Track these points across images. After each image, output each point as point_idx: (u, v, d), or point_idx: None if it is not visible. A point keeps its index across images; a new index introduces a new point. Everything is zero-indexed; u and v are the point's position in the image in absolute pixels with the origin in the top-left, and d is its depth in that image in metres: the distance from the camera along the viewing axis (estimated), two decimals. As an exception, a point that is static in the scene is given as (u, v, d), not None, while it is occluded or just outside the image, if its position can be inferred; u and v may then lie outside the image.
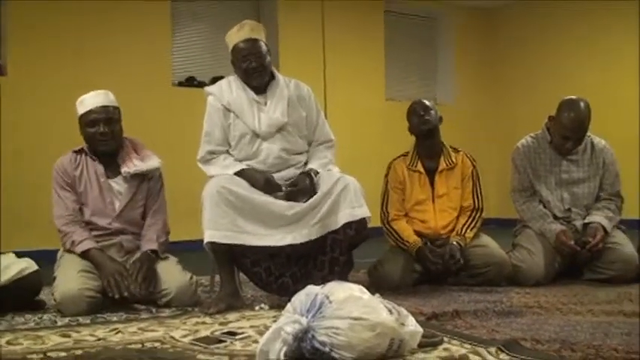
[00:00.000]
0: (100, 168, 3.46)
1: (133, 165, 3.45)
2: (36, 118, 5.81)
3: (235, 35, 3.51)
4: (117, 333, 2.72)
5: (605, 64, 7.68)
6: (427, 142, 3.92)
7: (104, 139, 3.40)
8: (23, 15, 5.85)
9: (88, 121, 3.40)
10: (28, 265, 3.27)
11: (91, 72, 5.90)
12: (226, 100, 3.50)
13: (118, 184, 3.47)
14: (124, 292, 3.16)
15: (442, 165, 3.92)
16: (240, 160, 3.46)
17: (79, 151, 3.50)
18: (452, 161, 3.92)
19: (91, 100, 3.42)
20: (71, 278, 3.17)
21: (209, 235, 3.18)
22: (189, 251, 4.08)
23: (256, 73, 3.48)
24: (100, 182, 3.44)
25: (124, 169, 3.44)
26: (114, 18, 6.20)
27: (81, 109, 3.43)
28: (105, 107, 3.41)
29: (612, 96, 7.35)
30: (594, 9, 7.75)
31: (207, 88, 3.64)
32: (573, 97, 3.88)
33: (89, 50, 6.08)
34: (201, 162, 3.51)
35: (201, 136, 3.52)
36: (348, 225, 3.25)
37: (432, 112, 3.88)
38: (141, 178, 3.49)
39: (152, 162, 3.51)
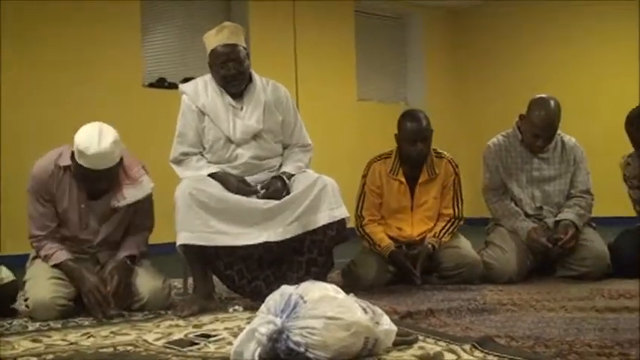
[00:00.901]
0: (82, 193, 3.23)
1: (123, 197, 3.22)
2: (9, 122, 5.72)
3: (214, 38, 3.43)
4: (89, 337, 2.69)
5: (573, 63, 7.77)
6: (413, 159, 3.84)
7: (96, 189, 3.20)
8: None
9: (83, 174, 3.11)
10: (5, 276, 3.20)
11: (60, 74, 5.83)
12: (201, 103, 3.45)
13: (101, 207, 3.25)
14: (107, 312, 3.08)
15: (424, 176, 3.85)
16: (213, 164, 3.43)
17: (63, 167, 3.19)
18: (434, 172, 3.85)
19: (91, 159, 3.03)
20: (42, 286, 3.09)
21: (182, 237, 3.15)
22: (162, 254, 4.04)
23: (235, 81, 3.43)
24: (81, 206, 3.24)
25: (113, 203, 3.22)
26: (83, 21, 6.12)
27: (79, 159, 3.06)
28: (107, 170, 3.10)
29: (581, 94, 7.44)
30: (562, 9, 7.84)
31: (182, 87, 3.58)
32: (543, 95, 3.91)
33: (58, 53, 6.00)
34: (173, 162, 3.47)
35: (174, 136, 3.49)
36: (328, 226, 3.25)
37: (429, 139, 3.79)
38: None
39: (144, 188, 3.28)
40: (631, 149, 3.88)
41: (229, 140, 3.43)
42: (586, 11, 7.60)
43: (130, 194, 3.24)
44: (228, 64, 3.39)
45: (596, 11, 7.50)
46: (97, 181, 3.15)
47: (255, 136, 3.45)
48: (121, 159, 3.19)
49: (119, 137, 3.12)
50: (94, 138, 3.03)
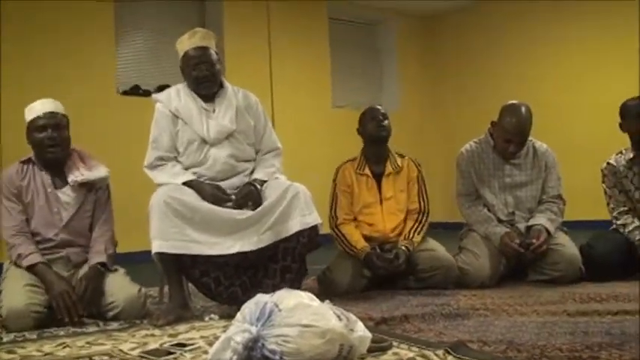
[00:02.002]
0: (47, 178, 3.40)
1: (80, 174, 3.40)
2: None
3: (186, 42, 3.51)
4: (64, 347, 2.68)
5: (547, 68, 7.86)
6: (376, 148, 3.98)
7: (52, 145, 3.35)
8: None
9: (36, 126, 3.36)
10: None
11: (33, 82, 5.78)
12: (174, 107, 3.49)
13: (65, 195, 3.41)
14: (74, 317, 3.11)
15: (388, 169, 3.97)
16: (188, 167, 3.44)
17: (26, 161, 3.44)
18: (398, 165, 3.98)
19: (39, 107, 3.39)
20: (17, 293, 3.10)
21: (157, 246, 3.15)
22: (138, 262, 4.03)
23: (206, 82, 3.48)
24: (47, 192, 3.39)
25: (71, 178, 3.39)
26: (57, 28, 6.09)
27: (29, 115, 3.40)
28: (53, 113, 3.38)
29: (555, 99, 7.54)
30: (535, 15, 7.94)
31: (155, 95, 3.62)
32: (515, 102, 3.97)
33: (31, 60, 5.95)
34: (148, 168, 3.47)
35: (149, 142, 3.50)
36: (300, 233, 3.27)
37: (388, 121, 3.97)
38: (88, 188, 3.44)
39: (100, 171, 3.47)
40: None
41: (204, 141, 3.45)
42: (561, 16, 7.69)
43: (86, 174, 3.42)
44: (200, 66, 3.46)
45: (571, 15, 7.60)
46: (50, 129, 3.34)
47: (229, 136, 3.49)
48: (67, 119, 3.45)
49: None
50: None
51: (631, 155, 3.90)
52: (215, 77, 3.51)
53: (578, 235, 4.09)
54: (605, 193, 4.01)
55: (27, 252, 3.25)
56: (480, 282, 3.76)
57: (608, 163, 3.98)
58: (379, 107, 4.05)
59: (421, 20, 9.04)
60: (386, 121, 3.96)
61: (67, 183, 3.41)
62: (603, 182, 4.01)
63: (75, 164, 3.45)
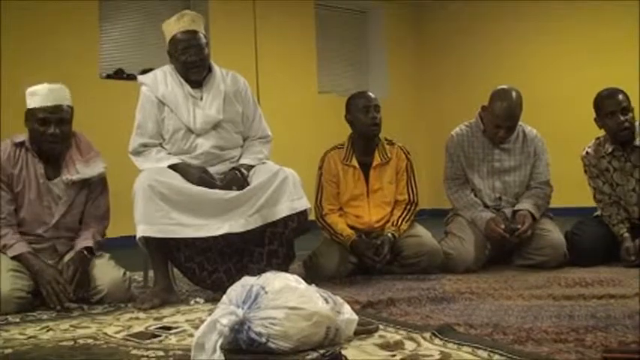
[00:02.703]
0: (41, 167, 3.29)
1: (76, 171, 3.30)
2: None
3: (174, 25, 3.44)
4: (48, 331, 2.66)
5: (534, 55, 7.87)
6: (366, 140, 3.91)
7: (53, 141, 3.23)
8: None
9: (39, 118, 3.20)
10: None
11: (16, 66, 5.72)
12: (161, 93, 3.44)
13: (57, 187, 3.31)
14: (64, 303, 3.07)
15: (377, 160, 3.92)
16: (174, 154, 3.41)
17: (20, 144, 3.29)
18: (386, 156, 3.92)
19: (44, 96, 3.20)
20: (1, 279, 3.05)
21: (142, 230, 3.12)
22: (122, 247, 4.01)
23: (195, 68, 3.43)
24: (39, 183, 3.28)
25: (66, 177, 3.28)
26: (39, 11, 6.01)
27: (32, 102, 3.22)
28: (58, 107, 3.21)
29: (542, 85, 7.55)
30: (523, 3, 7.94)
31: (141, 78, 3.56)
32: (505, 86, 3.96)
33: (13, 44, 5.88)
34: (133, 154, 3.43)
35: (134, 127, 3.46)
36: (289, 217, 3.25)
37: (381, 113, 3.88)
38: (82, 183, 3.35)
39: (96, 168, 3.36)
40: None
41: (189, 130, 3.41)
42: (551, 5, 7.69)
43: (82, 170, 3.31)
44: (189, 50, 3.40)
45: (562, 4, 7.60)
46: (53, 124, 3.19)
47: (216, 126, 3.45)
48: (72, 112, 3.29)
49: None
50: (44, 83, 3.24)
51: (610, 149, 3.84)
52: (204, 62, 3.46)
53: (563, 221, 4.11)
54: (589, 184, 4.01)
55: (12, 241, 3.18)
56: (465, 267, 3.77)
57: (587, 153, 3.95)
58: (372, 96, 3.92)
59: (409, 7, 9.01)
60: (379, 114, 3.86)
61: (60, 174, 3.31)
62: (585, 172, 3.99)
63: (72, 157, 3.33)
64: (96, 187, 3.41)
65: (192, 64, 3.42)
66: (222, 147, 3.46)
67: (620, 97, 3.75)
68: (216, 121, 3.44)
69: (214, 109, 3.45)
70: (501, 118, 3.88)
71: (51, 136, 3.21)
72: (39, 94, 3.21)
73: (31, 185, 3.27)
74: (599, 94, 3.83)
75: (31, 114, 3.23)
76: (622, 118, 3.71)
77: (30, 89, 3.25)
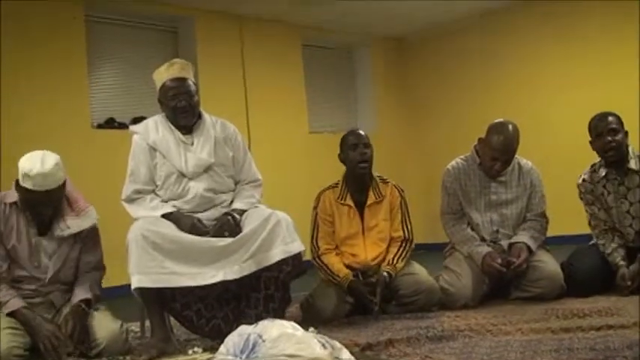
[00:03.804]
0: (33, 225, 3.26)
1: (67, 226, 3.27)
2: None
3: (164, 73, 3.49)
4: (46, 388, 2.63)
5: (520, 86, 7.94)
6: (359, 177, 3.92)
7: (44, 213, 3.22)
8: None
9: (29, 198, 3.16)
10: None
11: (5, 116, 5.72)
12: (152, 140, 3.47)
13: (50, 243, 3.28)
14: (62, 358, 3.04)
15: (371, 198, 3.91)
16: (167, 200, 3.42)
17: (12, 203, 3.25)
18: (380, 194, 3.92)
19: (36, 182, 3.10)
20: None
21: (137, 281, 3.11)
22: (118, 297, 3.99)
23: (184, 113, 3.46)
24: (31, 241, 3.25)
25: (58, 233, 3.26)
26: (28, 62, 6.04)
27: (23, 181, 3.13)
28: (50, 192, 3.15)
29: (532, 116, 7.60)
30: (505, 36, 8.04)
31: (133, 127, 3.60)
32: (502, 120, 3.98)
33: (4, 97, 5.89)
34: (126, 201, 3.44)
35: (126, 175, 3.47)
36: (284, 261, 3.25)
37: (370, 148, 3.88)
38: (75, 236, 3.32)
39: (88, 219, 3.33)
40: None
41: (182, 174, 3.43)
42: (535, 36, 7.79)
43: (73, 224, 3.28)
44: (178, 96, 3.44)
45: (545, 35, 7.69)
46: (42, 205, 3.18)
47: (207, 169, 3.47)
48: (64, 184, 3.24)
49: (61, 162, 3.21)
50: (37, 160, 3.13)
51: (604, 172, 3.89)
52: (193, 108, 3.50)
53: (559, 250, 4.11)
54: (586, 211, 4.03)
55: (7, 298, 3.14)
56: (462, 302, 3.76)
57: (583, 180, 3.99)
58: (362, 134, 3.92)
59: (395, 43, 9.10)
60: (369, 151, 3.86)
61: (52, 231, 3.28)
62: (581, 199, 4.02)
63: (62, 211, 3.30)
64: (89, 238, 3.39)
65: (182, 110, 3.45)
66: (215, 190, 3.47)
67: (610, 118, 3.80)
68: (208, 164, 3.46)
69: (205, 152, 3.47)
70: (498, 152, 3.90)
71: (40, 213, 3.23)
72: (31, 178, 3.11)
73: (22, 243, 3.25)
74: (592, 117, 3.89)
75: (22, 189, 3.17)
76: (609, 138, 3.75)
77: (23, 165, 3.13)
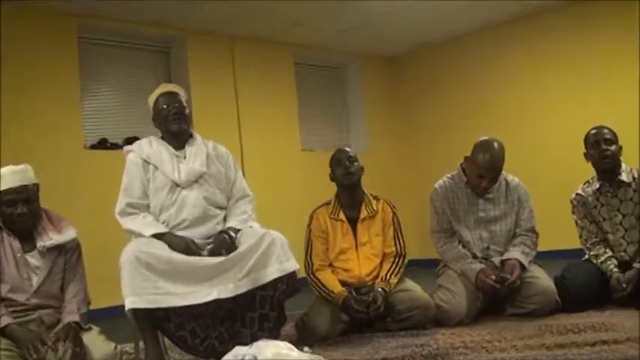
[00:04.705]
0: (16, 243, 3.30)
1: (49, 238, 3.31)
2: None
3: (157, 92, 3.63)
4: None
5: (512, 101, 7.97)
6: (349, 193, 3.99)
7: (23, 220, 3.26)
8: None
9: (5, 200, 3.24)
10: None
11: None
12: (146, 154, 3.52)
13: (34, 259, 3.31)
14: (42, 355, 2.98)
15: (363, 213, 3.97)
16: (159, 210, 3.44)
17: None
18: (373, 209, 3.98)
19: (9, 178, 3.25)
20: None
21: (130, 302, 3.10)
22: (112, 318, 3.97)
23: (176, 120, 3.53)
24: (17, 258, 3.28)
25: (40, 244, 3.30)
26: (20, 85, 6.05)
27: None
28: (24, 187, 3.25)
29: (523, 131, 7.66)
30: (496, 51, 8.10)
31: (127, 147, 3.65)
32: (487, 137, 4.01)
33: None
34: (120, 215, 3.45)
35: (120, 191, 3.49)
36: (279, 280, 3.25)
37: (356, 163, 3.96)
38: (58, 250, 3.35)
39: (68, 233, 3.38)
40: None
41: (175, 185, 3.46)
42: (527, 51, 7.86)
43: (55, 237, 3.32)
44: (170, 105, 3.54)
45: (536, 50, 7.75)
46: (20, 203, 3.22)
47: (200, 179, 3.51)
48: (38, 186, 3.32)
49: (32, 171, 3.34)
50: (6, 167, 3.28)
51: (597, 185, 3.97)
52: (185, 117, 3.57)
53: (551, 265, 4.13)
54: (577, 224, 4.07)
55: None
56: (457, 319, 3.76)
57: (577, 194, 4.05)
58: (347, 150, 4.03)
59: (386, 61, 9.16)
60: (354, 165, 3.94)
61: (36, 247, 3.32)
62: (573, 213, 4.06)
63: (44, 228, 3.36)
64: (72, 253, 3.41)
65: (174, 116, 3.53)
66: (209, 200, 3.49)
67: (605, 130, 3.93)
68: (200, 173, 3.51)
69: (198, 163, 3.54)
70: (484, 169, 3.92)
71: (19, 215, 3.25)
72: (4, 178, 3.25)
73: (8, 260, 3.27)
74: (589, 130, 3.99)
75: None
76: (604, 146, 3.86)
77: None
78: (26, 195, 3.26)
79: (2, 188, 3.24)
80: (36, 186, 3.34)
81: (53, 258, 3.34)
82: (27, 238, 3.33)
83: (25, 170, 3.32)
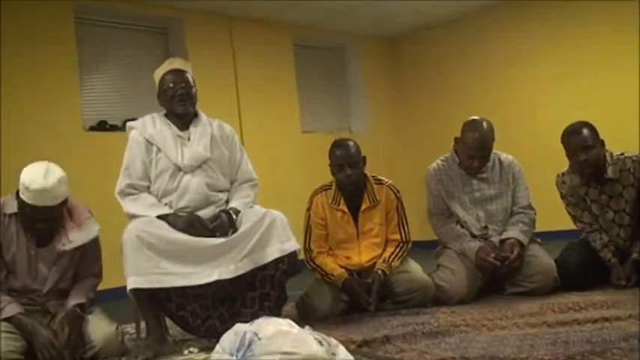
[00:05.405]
0: (32, 238, 3.19)
1: (68, 241, 3.20)
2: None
3: (164, 68, 3.56)
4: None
5: (510, 83, 7.97)
6: (349, 190, 3.87)
7: (41, 231, 3.16)
8: None
9: (28, 212, 3.07)
10: None
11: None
12: (149, 133, 3.47)
13: (50, 255, 3.21)
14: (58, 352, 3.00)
15: (365, 203, 3.87)
16: (161, 195, 3.41)
17: (9, 215, 3.18)
18: (375, 199, 3.88)
19: (36, 196, 3.03)
20: None
21: (132, 282, 3.10)
22: (113, 299, 3.97)
23: (182, 101, 3.48)
24: (30, 254, 3.19)
25: (59, 247, 3.19)
26: (18, 67, 6.02)
27: (23, 195, 3.05)
28: (50, 208, 3.07)
29: (520, 111, 7.64)
30: (496, 32, 8.07)
31: (130, 123, 3.60)
32: (476, 117, 4.00)
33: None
34: (119, 195, 3.42)
35: (121, 169, 3.46)
36: (280, 260, 3.25)
37: (359, 165, 3.81)
38: (75, 248, 3.26)
39: (90, 232, 3.27)
40: (565, 166, 3.97)
41: (177, 169, 3.43)
42: (524, 33, 7.82)
43: (75, 237, 3.22)
44: (176, 85, 3.47)
45: (535, 31, 7.73)
46: (40, 220, 3.11)
47: (203, 164, 3.47)
48: (66, 200, 3.18)
49: (66, 178, 3.13)
50: (40, 174, 3.05)
51: (578, 180, 3.87)
52: (191, 97, 3.51)
53: (551, 246, 4.12)
54: (569, 212, 4.01)
55: (4, 304, 3.09)
56: (458, 298, 3.76)
57: (563, 182, 3.95)
58: (348, 147, 3.80)
59: (386, 42, 9.11)
60: (356, 171, 3.76)
61: (52, 241, 3.21)
62: (562, 198, 3.99)
63: (64, 224, 3.23)
64: (90, 250, 3.32)
65: (180, 97, 3.47)
66: (211, 185, 3.46)
67: (583, 134, 3.73)
68: (204, 158, 3.46)
69: (202, 147, 3.48)
70: (474, 149, 3.90)
71: (39, 228, 3.15)
72: (30, 192, 3.03)
73: (22, 253, 3.19)
74: (564, 131, 3.84)
75: (21, 202, 3.09)
76: (582, 157, 3.71)
77: (24, 177, 3.05)
78: (50, 214, 3.12)
79: (27, 200, 3.06)
80: (64, 202, 3.16)
81: (69, 256, 3.26)
82: (45, 232, 3.22)
83: (56, 189, 3.07)
